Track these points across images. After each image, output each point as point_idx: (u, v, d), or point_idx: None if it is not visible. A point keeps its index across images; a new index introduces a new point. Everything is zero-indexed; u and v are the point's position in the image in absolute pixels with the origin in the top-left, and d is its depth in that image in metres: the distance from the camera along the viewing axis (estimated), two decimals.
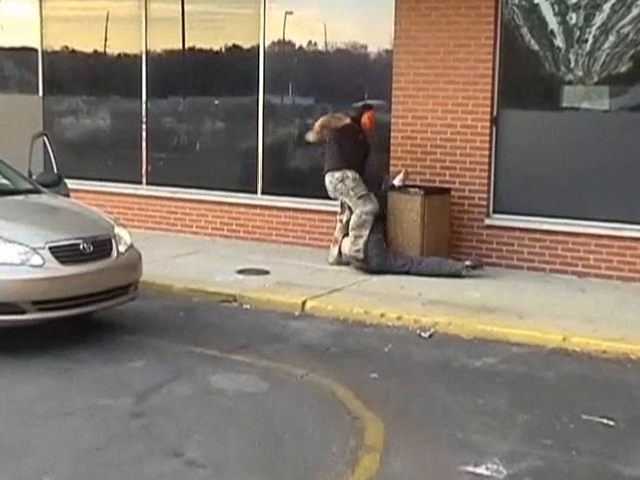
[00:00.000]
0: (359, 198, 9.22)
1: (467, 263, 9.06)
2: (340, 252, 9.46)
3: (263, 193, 10.85)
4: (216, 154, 11.32)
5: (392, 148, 9.93)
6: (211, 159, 11.32)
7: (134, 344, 6.85)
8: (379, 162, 9.96)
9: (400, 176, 9.63)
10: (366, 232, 9.11)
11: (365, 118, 9.40)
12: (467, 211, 9.58)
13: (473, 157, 9.51)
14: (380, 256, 9.13)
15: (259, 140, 10.80)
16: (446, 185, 9.62)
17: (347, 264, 9.36)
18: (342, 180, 9.22)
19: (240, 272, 8.99)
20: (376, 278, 8.84)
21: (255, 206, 10.86)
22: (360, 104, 9.84)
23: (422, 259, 9.07)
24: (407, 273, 8.95)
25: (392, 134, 9.94)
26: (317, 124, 9.27)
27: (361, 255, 9.09)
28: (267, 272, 9.01)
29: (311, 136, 9.32)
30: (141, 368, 6.28)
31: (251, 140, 10.88)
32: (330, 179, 9.31)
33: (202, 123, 11.55)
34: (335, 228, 9.83)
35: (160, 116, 11.72)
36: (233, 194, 11.01)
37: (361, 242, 9.15)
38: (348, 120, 9.28)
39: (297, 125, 10.84)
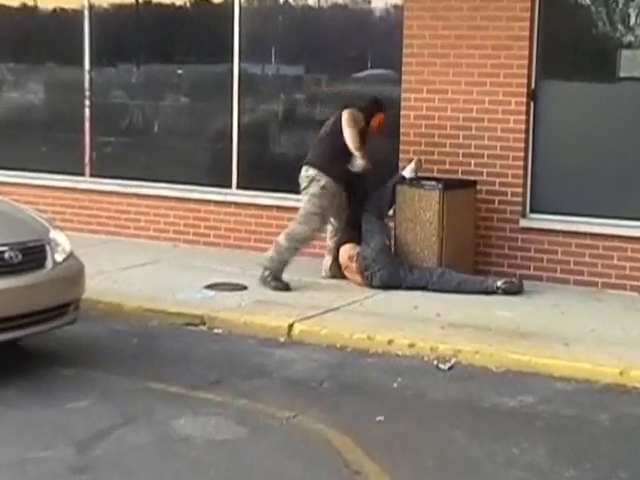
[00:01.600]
0: (308, 214, 9.25)
1: (498, 284, 8.99)
2: (337, 263, 9.52)
3: (239, 187, 10.81)
4: (179, 138, 11.30)
5: (402, 130, 9.87)
6: (173, 144, 11.33)
7: (75, 379, 6.80)
8: (386, 149, 10.03)
9: (412, 165, 9.63)
10: (287, 256, 9.11)
11: (375, 121, 9.46)
12: (497, 210, 9.57)
13: (505, 141, 9.49)
14: (389, 266, 9.14)
15: (234, 120, 10.73)
16: (471, 177, 9.59)
17: (345, 277, 9.41)
18: (312, 180, 9.24)
19: (210, 287, 8.97)
20: (383, 295, 8.86)
21: (229, 203, 10.82)
22: (370, 100, 9.53)
23: (444, 271, 9.05)
24: (424, 289, 8.97)
25: (402, 112, 9.86)
26: (355, 144, 8.92)
27: (266, 274, 8.98)
28: (244, 287, 9.01)
29: (360, 165, 8.97)
30: (84, 410, 6.23)
31: (224, 120, 10.83)
32: (304, 172, 9.33)
33: (161, 98, 11.57)
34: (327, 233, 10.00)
35: (107, 89, 11.78)
36: (201, 188, 10.95)
37: (276, 252, 9.08)
38: (362, 122, 9.35)
39: (282, 101, 10.82)
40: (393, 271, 9.11)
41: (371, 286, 9.08)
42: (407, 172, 9.58)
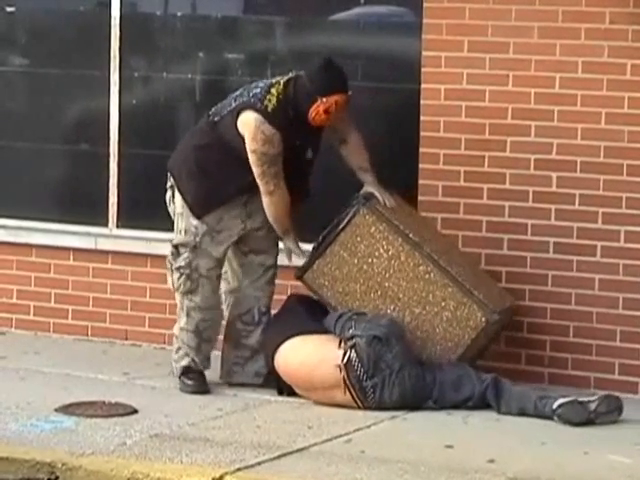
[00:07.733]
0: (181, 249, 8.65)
1: (556, 406, 8.26)
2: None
3: (121, 225, 10.31)
4: (7, 133, 10.82)
5: (422, 119, 8.96)
6: None
7: None
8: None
9: None
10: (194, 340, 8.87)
11: (318, 108, 8.59)
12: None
13: None
14: (414, 364, 8.57)
15: (112, 100, 10.18)
16: (575, 222, 8.72)
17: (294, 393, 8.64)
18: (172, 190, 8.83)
19: (68, 411, 8.57)
20: (389, 423, 8.41)
21: (103, 254, 10.28)
22: (313, 74, 8.70)
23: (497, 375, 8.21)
24: (466, 404, 8.59)
25: (422, 86, 9.02)
26: (280, 222, 8.94)
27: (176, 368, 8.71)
28: (133, 411, 8.58)
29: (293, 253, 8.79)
30: None
31: (93, 100, 10.32)
32: (169, 195, 8.87)
33: None
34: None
35: None
36: (50, 227, 10.47)
37: (179, 364, 8.97)
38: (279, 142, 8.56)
39: (201, 65, 10.08)
40: (419, 373, 8.53)
41: (377, 406, 8.58)
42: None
